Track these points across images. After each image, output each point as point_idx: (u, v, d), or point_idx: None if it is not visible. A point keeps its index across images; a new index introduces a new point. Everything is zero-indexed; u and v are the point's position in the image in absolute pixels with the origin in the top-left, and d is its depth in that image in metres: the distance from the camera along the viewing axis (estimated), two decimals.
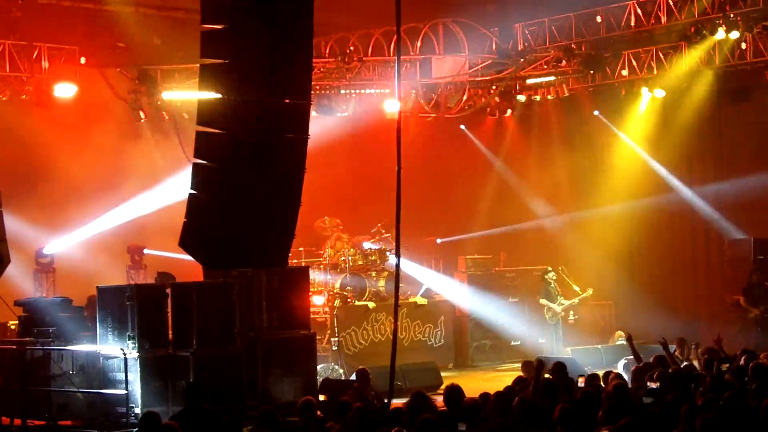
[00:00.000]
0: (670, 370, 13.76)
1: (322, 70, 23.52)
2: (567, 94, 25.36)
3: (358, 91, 24.61)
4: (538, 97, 26.54)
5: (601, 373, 15.45)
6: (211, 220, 13.40)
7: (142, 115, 23.63)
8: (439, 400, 12.98)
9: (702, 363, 15.69)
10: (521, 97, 25.85)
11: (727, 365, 14.35)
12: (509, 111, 27.24)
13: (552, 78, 24.83)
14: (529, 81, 24.94)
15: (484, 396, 12.23)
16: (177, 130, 22.72)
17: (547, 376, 13.91)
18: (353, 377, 17.42)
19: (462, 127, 29.16)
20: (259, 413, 12.23)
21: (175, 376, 16.90)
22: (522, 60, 24.17)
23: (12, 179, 22.75)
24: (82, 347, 17.81)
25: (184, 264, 16.54)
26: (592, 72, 24.11)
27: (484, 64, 24.55)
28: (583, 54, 23.68)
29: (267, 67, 13.15)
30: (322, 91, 24.13)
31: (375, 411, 11.74)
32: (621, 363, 19.78)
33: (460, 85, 24.90)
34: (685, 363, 16.86)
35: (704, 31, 22.37)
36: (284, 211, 13.68)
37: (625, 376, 15.07)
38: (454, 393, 12.04)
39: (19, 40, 22.26)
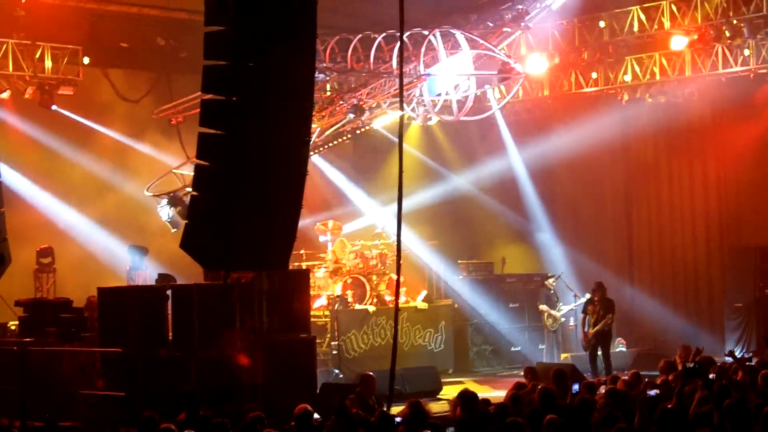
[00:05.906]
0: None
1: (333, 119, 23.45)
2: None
3: (368, 126, 24.33)
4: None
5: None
6: (212, 222, 13.37)
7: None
8: (434, 407, 12.96)
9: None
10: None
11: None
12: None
13: None
14: None
15: (485, 402, 12.22)
16: (179, 131, 22.63)
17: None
18: (354, 382, 17.30)
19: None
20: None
21: (174, 378, 16.84)
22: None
23: (14, 179, 22.80)
24: (82, 348, 17.76)
25: (186, 266, 16.48)
26: None
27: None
28: None
29: (270, 68, 13.13)
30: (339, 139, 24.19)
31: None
32: None
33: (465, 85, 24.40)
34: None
35: (707, 37, 22.36)
36: (286, 214, 13.65)
37: None
38: (468, 399, 12.02)
39: (23, 39, 22.26)
